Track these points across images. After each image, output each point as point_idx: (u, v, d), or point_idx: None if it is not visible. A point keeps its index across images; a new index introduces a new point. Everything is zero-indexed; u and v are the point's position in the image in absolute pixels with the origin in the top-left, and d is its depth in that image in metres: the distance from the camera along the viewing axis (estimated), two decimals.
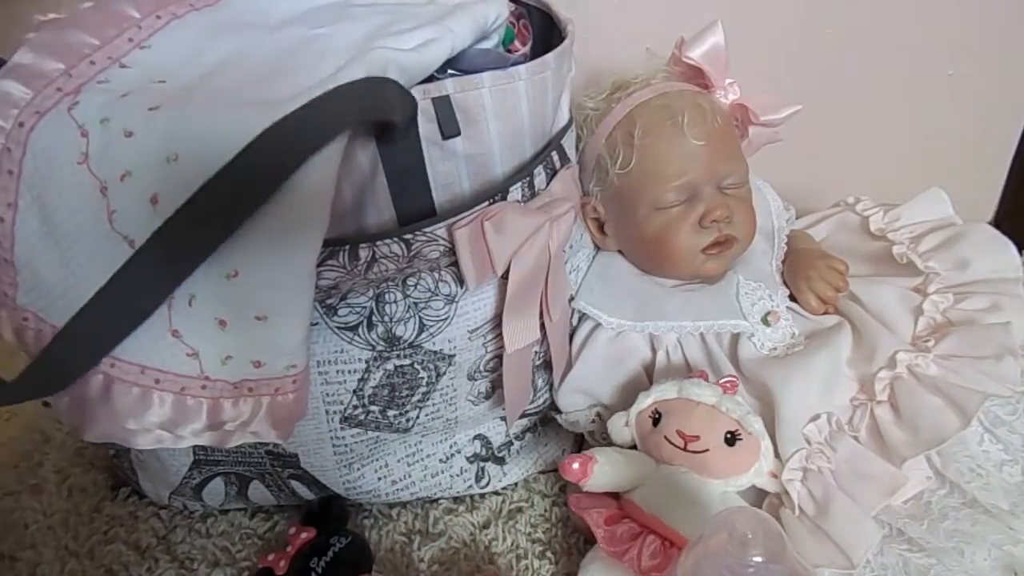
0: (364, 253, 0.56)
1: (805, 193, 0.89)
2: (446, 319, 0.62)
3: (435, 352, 0.63)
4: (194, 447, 0.67)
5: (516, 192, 0.61)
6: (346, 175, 0.54)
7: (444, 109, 0.56)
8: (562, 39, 0.65)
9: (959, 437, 0.62)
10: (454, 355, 0.64)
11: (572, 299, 0.74)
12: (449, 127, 0.57)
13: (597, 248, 0.79)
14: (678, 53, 0.77)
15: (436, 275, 0.60)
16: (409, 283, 0.60)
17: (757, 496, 0.66)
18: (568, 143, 0.68)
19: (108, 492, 0.77)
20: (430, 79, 0.57)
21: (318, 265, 0.55)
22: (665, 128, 0.72)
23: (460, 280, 0.60)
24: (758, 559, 0.44)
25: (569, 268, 0.73)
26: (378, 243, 0.56)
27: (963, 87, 1.07)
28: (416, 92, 0.55)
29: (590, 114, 0.76)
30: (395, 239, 0.56)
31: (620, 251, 0.78)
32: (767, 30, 0.98)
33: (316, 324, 0.61)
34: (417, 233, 0.57)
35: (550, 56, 0.62)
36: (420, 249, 0.57)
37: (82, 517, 0.74)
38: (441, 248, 0.58)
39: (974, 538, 0.62)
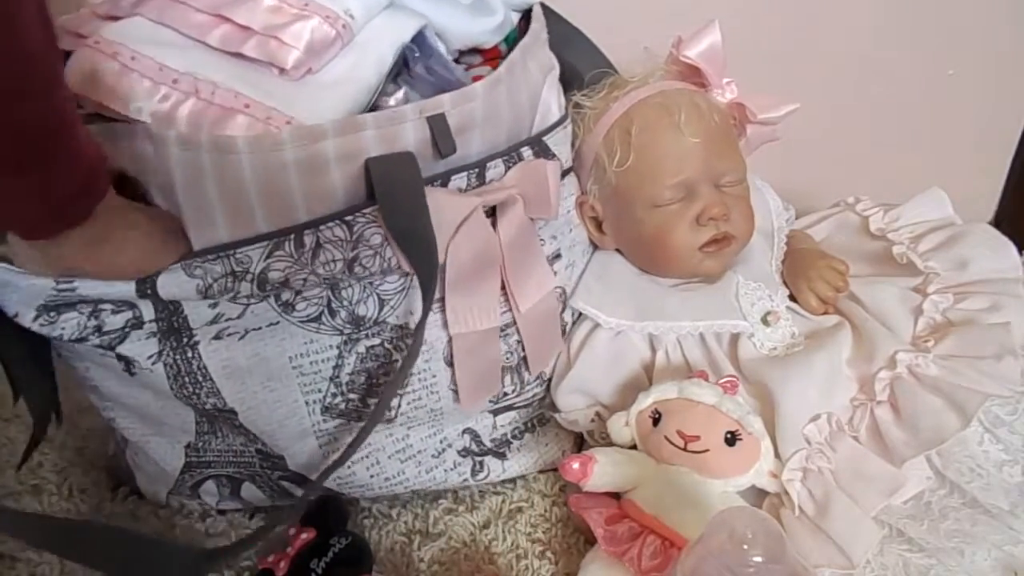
0: (308, 239, 0.56)
1: (805, 193, 0.89)
2: (403, 290, 0.62)
3: (400, 327, 0.63)
4: (185, 448, 0.68)
5: (460, 180, 0.61)
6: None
7: (440, 126, 0.56)
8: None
9: (959, 437, 0.63)
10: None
11: (568, 296, 0.74)
12: (446, 145, 0.57)
13: (595, 247, 0.79)
14: (676, 52, 0.77)
15: (387, 273, 0.60)
16: (356, 270, 0.59)
17: (757, 496, 0.66)
18: (554, 140, 0.68)
19: (108, 492, 0.77)
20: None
21: (267, 258, 0.56)
22: (662, 126, 0.72)
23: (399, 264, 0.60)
24: (758, 559, 0.44)
25: (563, 264, 0.73)
26: (321, 228, 0.56)
27: (963, 87, 1.07)
28: (411, 111, 0.55)
29: (588, 112, 0.76)
30: (337, 222, 0.56)
31: (618, 250, 0.78)
32: (766, 30, 0.98)
33: (277, 323, 0.60)
34: (357, 215, 0.56)
35: (516, 52, 0.63)
36: (362, 232, 0.57)
37: (82, 517, 0.74)
38: (383, 232, 0.57)
39: (974, 538, 0.63)
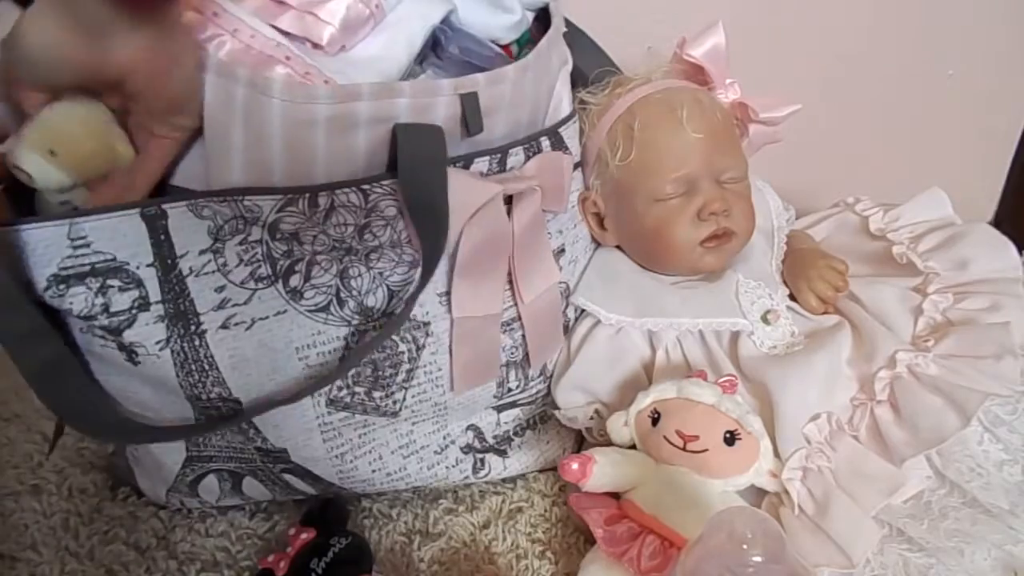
0: (323, 200, 0.56)
1: (805, 193, 0.89)
2: (412, 282, 0.62)
3: (409, 319, 0.63)
4: (186, 443, 0.68)
5: (482, 164, 0.61)
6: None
7: (471, 104, 0.56)
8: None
9: (959, 437, 0.63)
10: (429, 323, 0.64)
11: (570, 292, 0.74)
12: (475, 124, 0.57)
13: (597, 244, 0.79)
14: (680, 52, 0.77)
15: (399, 250, 0.60)
16: (372, 257, 0.60)
17: (757, 496, 0.66)
18: (568, 134, 0.69)
19: (108, 492, 0.77)
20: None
21: (278, 211, 0.56)
22: (665, 121, 0.72)
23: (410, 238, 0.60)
24: (758, 559, 0.44)
25: (567, 259, 0.73)
26: (337, 191, 0.56)
27: (963, 87, 1.07)
28: (447, 85, 0.56)
29: (592, 109, 0.76)
30: (353, 188, 0.56)
31: (619, 247, 0.78)
32: (767, 30, 0.98)
33: (285, 312, 0.60)
34: (374, 185, 0.56)
35: (544, 42, 0.63)
36: (377, 202, 0.57)
37: (82, 518, 0.74)
38: (398, 205, 0.57)
39: (974, 538, 0.63)
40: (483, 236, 0.61)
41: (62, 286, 0.57)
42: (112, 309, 0.58)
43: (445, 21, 0.61)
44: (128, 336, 0.59)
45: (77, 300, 0.57)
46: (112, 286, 0.57)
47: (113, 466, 0.78)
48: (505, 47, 0.70)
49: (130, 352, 0.60)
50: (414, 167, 0.55)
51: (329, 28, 0.56)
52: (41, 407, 0.86)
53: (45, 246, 0.55)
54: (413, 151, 0.55)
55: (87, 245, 0.56)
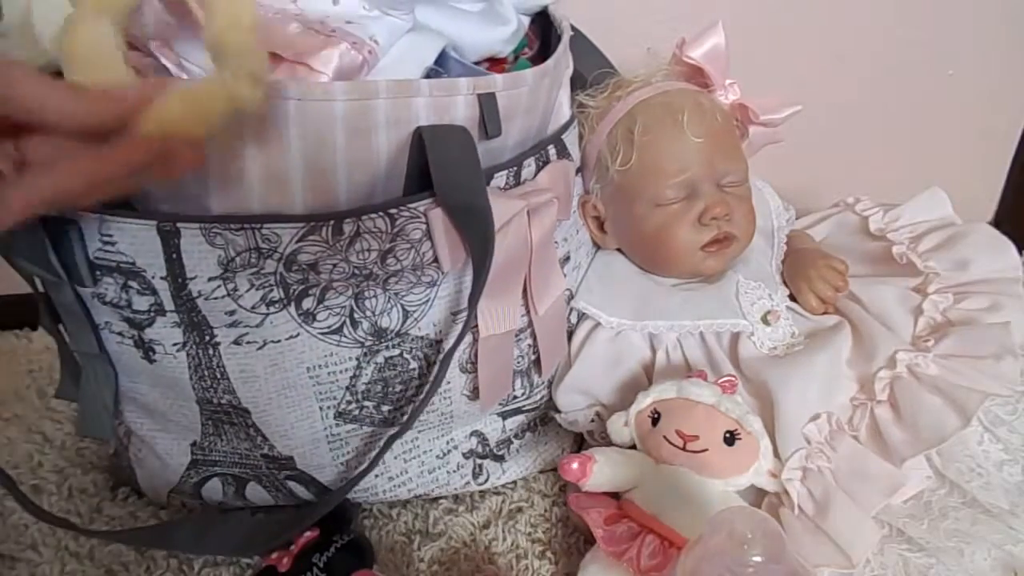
0: (348, 228, 0.55)
1: (805, 193, 0.89)
2: (428, 302, 0.62)
3: (422, 338, 0.63)
4: (191, 447, 0.68)
5: (500, 179, 0.61)
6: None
7: (489, 106, 0.56)
8: (559, 37, 0.65)
9: (959, 437, 0.63)
10: (441, 340, 0.64)
11: (572, 297, 0.74)
12: (493, 127, 0.56)
13: (597, 247, 0.79)
14: (679, 53, 0.77)
15: (419, 272, 0.60)
16: (391, 281, 0.59)
17: (757, 496, 0.66)
18: (570, 139, 0.68)
19: (108, 492, 0.77)
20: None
21: (299, 240, 0.55)
22: (665, 125, 0.72)
23: (436, 260, 0.59)
24: (758, 559, 0.44)
25: (571, 266, 0.73)
26: (363, 218, 0.55)
27: (963, 87, 1.07)
28: (465, 85, 0.55)
29: (591, 112, 0.76)
30: (380, 214, 0.55)
31: (619, 250, 0.78)
32: (766, 30, 0.98)
33: (297, 336, 0.60)
34: (401, 208, 0.55)
35: (560, 50, 0.63)
36: (404, 226, 0.56)
37: (82, 518, 0.74)
38: (423, 228, 0.57)
39: (974, 538, 0.63)
40: (507, 253, 0.60)
41: (97, 272, 0.57)
42: (135, 307, 0.59)
43: (440, 59, 0.60)
44: (149, 333, 0.60)
45: (110, 289, 0.58)
46: (132, 287, 0.58)
47: (113, 466, 0.77)
48: (499, 64, 0.69)
49: (147, 349, 0.60)
50: (449, 167, 0.53)
51: (323, 78, 0.53)
52: (41, 407, 0.87)
53: (81, 234, 0.56)
54: (443, 154, 0.54)
55: (113, 244, 0.56)
